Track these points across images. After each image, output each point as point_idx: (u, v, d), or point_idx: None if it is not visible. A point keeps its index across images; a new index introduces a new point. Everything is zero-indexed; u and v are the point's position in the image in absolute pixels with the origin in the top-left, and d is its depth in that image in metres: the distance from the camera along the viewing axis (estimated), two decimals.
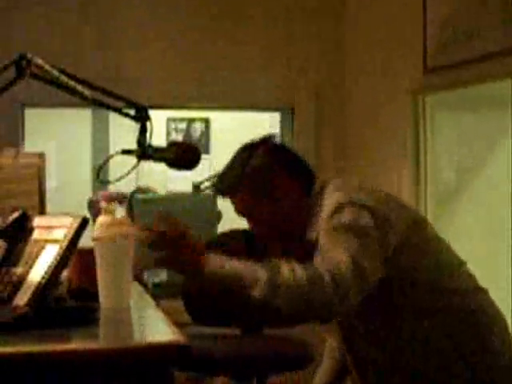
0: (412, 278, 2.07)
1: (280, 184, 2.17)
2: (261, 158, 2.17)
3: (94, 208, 3.79)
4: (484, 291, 2.19)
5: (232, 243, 3.34)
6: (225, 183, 2.22)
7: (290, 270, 1.90)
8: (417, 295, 2.07)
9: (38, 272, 1.66)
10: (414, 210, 2.28)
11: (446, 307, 2.08)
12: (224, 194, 2.22)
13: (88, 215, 4.51)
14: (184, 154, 2.16)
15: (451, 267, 2.16)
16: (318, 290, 1.87)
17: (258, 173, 2.16)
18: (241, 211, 2.23)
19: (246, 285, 1.90)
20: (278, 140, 2.24)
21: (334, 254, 1.92)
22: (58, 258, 1.66)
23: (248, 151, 2.20)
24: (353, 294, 1.89)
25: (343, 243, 1.94)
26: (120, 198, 3.82)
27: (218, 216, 4.37)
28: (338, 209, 2.01)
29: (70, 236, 1.69)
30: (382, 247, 1.99)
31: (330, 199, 2.07)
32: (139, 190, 4.69)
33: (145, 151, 2.13)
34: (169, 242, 1.90)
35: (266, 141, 2.22)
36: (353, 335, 2.16)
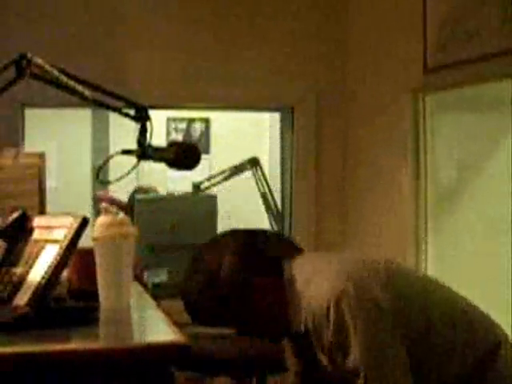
0: None
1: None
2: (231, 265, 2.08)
3: (98, 203, 3.80)
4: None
5: (232, 243, 3.33)
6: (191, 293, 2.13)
7: None
8: None
9: (38, 272, 1.66)
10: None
11: None
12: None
13: (91, 211, 4.52)
14: (184, 154, 2.16)
15: None
16: None
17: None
18: None
19: None
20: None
21: None
22: (58, 257, 1.66)
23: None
24: None
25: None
26: (120, 205, 3.82)
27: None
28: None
29: (70, 236, 1.69)
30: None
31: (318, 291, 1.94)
32: (141, 189, 4.69)
33: (145, 151, 2.13)
34: None
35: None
36: None
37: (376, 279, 1.95)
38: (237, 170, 4.41)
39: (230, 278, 2.04)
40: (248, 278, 2.03)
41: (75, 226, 1.70)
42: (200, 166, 2.20)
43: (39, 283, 1.63)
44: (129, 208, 4.07)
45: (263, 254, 2.10)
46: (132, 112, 2.17)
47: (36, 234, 1.79)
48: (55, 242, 1.70)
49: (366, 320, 1.86)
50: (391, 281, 1.98)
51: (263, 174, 4.56)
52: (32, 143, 4.30)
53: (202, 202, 4.32)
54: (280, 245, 2.32)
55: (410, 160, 3.77)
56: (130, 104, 2.16)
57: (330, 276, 1.94)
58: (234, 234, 2.21)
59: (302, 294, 1.98)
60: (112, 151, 4.79)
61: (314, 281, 1.96)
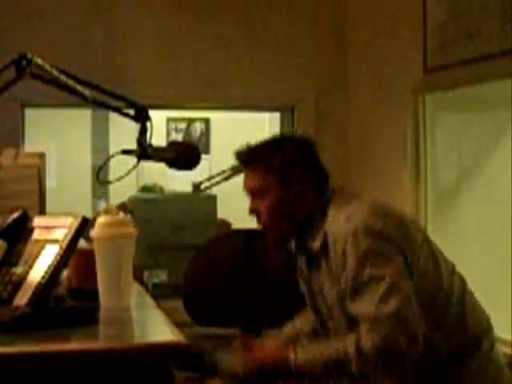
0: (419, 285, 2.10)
1: (300, 178, 2.18)
2: (295, 149, 2.20)
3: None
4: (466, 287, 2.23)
5: (232, 243, 3.34)
6: (255, 152, 2.21)
7: (367, 337, 1.97)
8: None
9: (38, 272, 1.66)
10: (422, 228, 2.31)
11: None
12: (250, 160, 2.21)
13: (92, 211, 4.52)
14: (184, 154, 2.16)
15: (447, 277, 2.18)
16: (397, 351, 1.95)
17: (287, 160, 2.18)
18: (251, 188, 2.22)
19: (340, 366, 2.01)
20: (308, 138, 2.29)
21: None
22: (58, 257, 1.66)
23: (286, 139, 2.26)
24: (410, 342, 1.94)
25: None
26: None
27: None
28: (355, 241, 2.03)
29: (70, 236, 1.69)
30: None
31: (339, 220, 2.09)
32: (145, 188, 4.70)
33: (145, 151, 2.13)
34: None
35: (304, 139, 2.27)
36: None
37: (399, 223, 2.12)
38: (237, 170, 4.40)
39: None
40: None
41: (75, 226, 1.70)
42: (200, 166, 2.20)
43: (39, 283, 1.63)
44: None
45: None
46: (132, 112, 2.17)
47: (36, 234, 1.79)
48: (55, 241, 1.70)
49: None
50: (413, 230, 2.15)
51: None
52: (32, 143, 4.30)
53: (201, 202, 4.32)
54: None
55: (410, 160, 3.77)
56: (130, 104, 2.16)
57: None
58: (234, 234, 2.23)
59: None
60: (112, 151, 4.79)
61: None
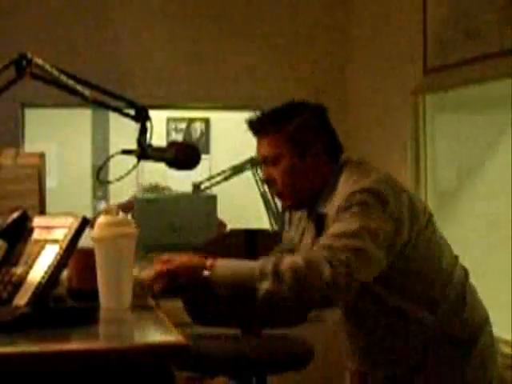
0: (418, 268, 2.09)
1: (313, 145, 2.18)
2: (308, 115, 2.20)
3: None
4: (468, 277, 2.24)
5: (232, 243, 3.34)
6: (267, 119, 2.20)
7: (291, 258, 1.95)
8: (415, 283, 2.10)
9: (37, 272, 1.66)
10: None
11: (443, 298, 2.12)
12: (262, 128, 2.20)
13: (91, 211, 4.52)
14: (184, 154, 2.16)
15: (450, 264, 2.19)
16: (315, 274, 1.90)
17: (300, 126, 2.17)
18: (265, 155, 2.20)
19: (255, 279, 1.95)
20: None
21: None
22: (58, 257, 1.66)
23: (299, 106, 2.26)
24: (353, 273, 1.92)
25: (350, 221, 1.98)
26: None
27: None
28: (350, 197, 2.03)
29: (70, 236, 1.69)
30: (394, 238, 2.03)
31: (346, 186, 2.09)
32: (148, 188, 4.70)
33: (145, 151, 2.13)
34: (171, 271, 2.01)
35: (316, 105, 2.27)
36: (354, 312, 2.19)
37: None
38: (237, 169, 4.41)
39: None
40: None
41: (75, 225, 1.70)
42: (200, 166, 2.21)
43: (39, 283, 1.63)
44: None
45: None
46: (132, 112, 2.17)
47: (36, 234, 1.79)
48: (55, 241, 1.70)
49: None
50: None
51: None
52: (32, 143, 4.30)
53: (201, 202, 4.32)
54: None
55: (410, 160, 3.77)
56: (130, 104, 2.16)
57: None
58: (234, 233, 2.23)
59: None
60: (112, 151, 4.80)
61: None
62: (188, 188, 4.54)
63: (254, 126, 2.21)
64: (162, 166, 2.18)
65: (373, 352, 2.20)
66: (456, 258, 2.25)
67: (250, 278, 1.96)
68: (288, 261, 1.95)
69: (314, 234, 2.21)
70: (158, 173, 5.13)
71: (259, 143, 2.22)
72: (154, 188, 4.62)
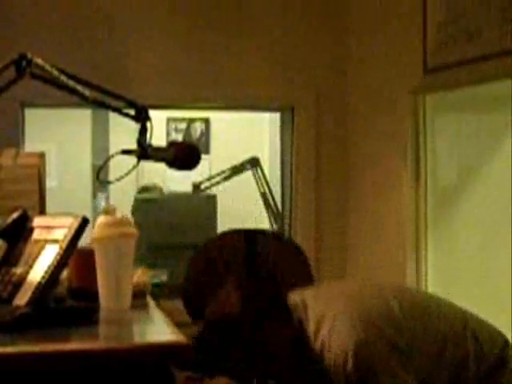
0: None
1: None
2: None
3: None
4: None
5: (232, 243, 3.34)
6: None
7: None
8: None
9: (38, 272, 1.66)
10: None
11: None
12: None
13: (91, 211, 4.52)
14: (184, 154, 2.16)
15: None
16: None
17: None
18: None
19: None
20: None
21: None
22: (58, 257, 1.66)
23: None
24: None
25: None
26: None
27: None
28: None
29: (70, 236, 1.69)
30: None
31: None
32: (145, 188, 4.70)
33: (145, 151, 2.13)
34: None
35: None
36: None
37: (390, 321, 2.04)
38: (237, 169, 4.41)
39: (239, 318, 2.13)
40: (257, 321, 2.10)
41: (75, 226, 1.70)
42: (200, 166, 2.20)
43: (39, 283, 1.63)
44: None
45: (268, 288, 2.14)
46: (132, 112, 2.17)
47: (36, 234, 1.79)
48: (55, 241, 1.70)
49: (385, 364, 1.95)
50: (405, 318, 2.07)
51: (263, 174, 4.56)
52: (32, 143, 4.30)
53: (202, 202, 4.33)
54: (282, 251, 2.34)
55: (410, 160, 3.77)
56: (130, 104, 2.16)
57: (346, 324, 2.02)
58: (234, 233, 2.23)
59: (315, 334, 2.07)
60: (112, 151, 4.79)
61: (328, 323, 2.06)
62: (188, 188, 4.54)
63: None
64: (161, 166, 2.18)
65: None
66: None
67: None
68: None
69: None
70: (157, 173, 5.13)
71: None
72: (151, 188, 4.63)
